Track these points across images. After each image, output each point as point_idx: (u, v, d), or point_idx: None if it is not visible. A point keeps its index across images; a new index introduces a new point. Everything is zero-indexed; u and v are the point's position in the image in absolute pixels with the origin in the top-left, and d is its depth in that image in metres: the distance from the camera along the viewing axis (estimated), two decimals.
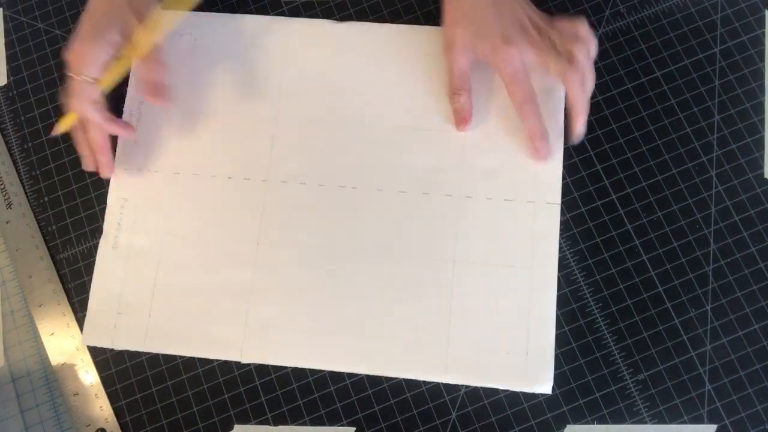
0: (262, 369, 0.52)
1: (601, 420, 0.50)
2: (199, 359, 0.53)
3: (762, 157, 0.54)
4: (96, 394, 0.53)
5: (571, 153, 0.54)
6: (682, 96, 0.55)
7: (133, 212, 0.55)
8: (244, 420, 0.52)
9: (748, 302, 0.51)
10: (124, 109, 0.57)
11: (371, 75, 0.56)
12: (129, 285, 0.54)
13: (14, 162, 0.58)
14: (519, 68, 0.51)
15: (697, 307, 0.51)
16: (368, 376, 0.52)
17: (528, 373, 0.50)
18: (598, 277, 0.52)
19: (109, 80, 0.51)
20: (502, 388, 0.51)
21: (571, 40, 0.49)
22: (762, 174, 0.53)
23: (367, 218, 0.53)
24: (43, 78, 0.59)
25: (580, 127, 0.51)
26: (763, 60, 0.55)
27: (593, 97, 0.55)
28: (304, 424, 0.52)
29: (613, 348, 0.51)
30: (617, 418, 0.50)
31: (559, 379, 0.51)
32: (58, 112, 0.58)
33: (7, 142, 0.58)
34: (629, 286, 0.52)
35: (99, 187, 0.57)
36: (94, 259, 0.55)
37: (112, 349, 0.53)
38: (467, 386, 0.51)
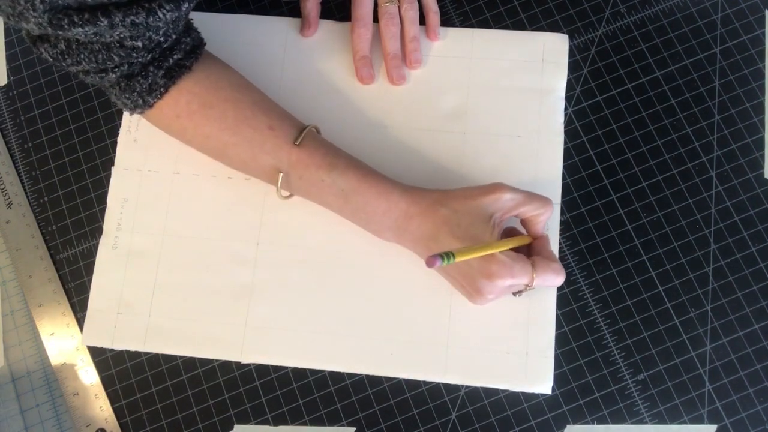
0: (262, 369, 0.52)
1: (601, 420, 0.50)
2: (199, 359, 0.53)
3: (762, 157, 0.54)
4: (96, 394, 0.53)
5: (571, 153, 0.54)
6: (682, 96, 0.55)
7: (133, 212, 0.55)
8: (244, 420, 0.52)
9: (748, 302, 0.51)
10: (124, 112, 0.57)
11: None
12: (129, 285, 0.54)
13: (14, 162, 0.58)
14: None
15: (697, 307, 0.51)
16: (368, 376, 0.52)
17: (528, 373, 0.50)
18: (598, 277, 0.52)
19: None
20: (502, 388, 0.51)
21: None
22: (762, 174, 0.53)
23: None
24: (43, 78, 0.59)
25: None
26: (763, 60, 0.55)
27: (594, 96, 0.55)
28: (304, 424, 0.52)
29: (613, 348, 0.51)
30: (617, 418, 0.50)
31: (559, 379, 0.51)
32: (58, 112, 0.58)
33: (7, 142, 0.58)
34: (629, 286, 0.52)
35: (99, 187, 0.57)
36: (94, 259, 0.55)
37: (112, 349, 0.53)
38: (467, 386, 0.51)
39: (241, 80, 0.50)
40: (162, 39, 0.44)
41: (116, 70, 0.44)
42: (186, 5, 0.42)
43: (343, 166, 0.48)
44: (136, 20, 0.39)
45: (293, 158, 0.48)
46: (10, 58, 0.60)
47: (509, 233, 0.50)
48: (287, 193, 0.51)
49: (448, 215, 0.46)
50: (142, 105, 0.47)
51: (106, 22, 0.38)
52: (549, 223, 0.53)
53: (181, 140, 0.51)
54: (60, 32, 0.39)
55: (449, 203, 0.46)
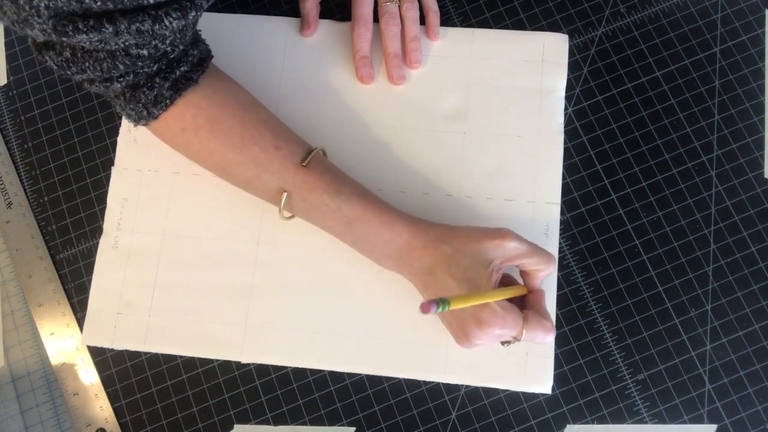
0: (262, 369, 0.52)
1: (601, 420, 0.50)
2: (199, 359, 0.53)
3: (762, 157, 0.54)
4: (96, 394, 0.53)
5: (571, 153, 0.54)
6: (682, 96, 0.55)
7: (133, 212, 0.55)
8: (244, 420, 0.52)
9: (748, 302, 0.51)
10: None
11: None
12: (129, 285, 0.54)
13: (14, 162, 0.58)
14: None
15: (697, 307, 0.51)
16: (368, 376, 0.52)
17: (528, 373, 0.50)
18: (598, 277, 0.52)
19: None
20: (502, 388, 0.51)
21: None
22: (762, 174, 0.53)
23: None
24: (43, 78, 0.59)
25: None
26: (763, 60, 0.55)
27: (594, 96, 0.55)
28: (304, 424, 0.52)
29: (613, 348, 0.51)
30: (617, 418, 0.50)
31: (559, 379, 0.51)
32: (58, 112, 0.58)
33: (7, 142, 0.58)
34: (629, 286, 0.52)
35: (99, 187, 0.57)
36: (94, 259, 0.55)
37: (112, 349, 0.54)
38: (467, 386, 0.51)
39: (248, 98, 0.50)
40: (168, 49, 0.44)
41: (121, 79, 0.44)
42: (193, 14, 0.41)
43: (348, 192, 0.47)
44: (142, 28, 0.39)
45: (299, 180, 0.47)
46: (10, 58, 0.60)
47: (506, 280, 0.49)
48: (289, 214, 0.50)
49: (450, 253, 0.45)
50: (146, 116, 0.47)
51: (111, 29, 0.38)
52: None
53: (184, 155, 0.51)
54: (64, 39, 0.38)
55: (452, 241, 0.46)
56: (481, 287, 0.44)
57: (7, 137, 0.58)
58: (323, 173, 0.48)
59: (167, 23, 0.40)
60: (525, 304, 0.48)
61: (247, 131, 0.47)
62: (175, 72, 0.45)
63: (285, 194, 0.47)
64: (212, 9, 0.59)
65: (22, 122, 0.58)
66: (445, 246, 0.45)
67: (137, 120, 0.47)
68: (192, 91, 0.47)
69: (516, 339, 0.45)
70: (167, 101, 0.46)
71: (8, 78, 0.59)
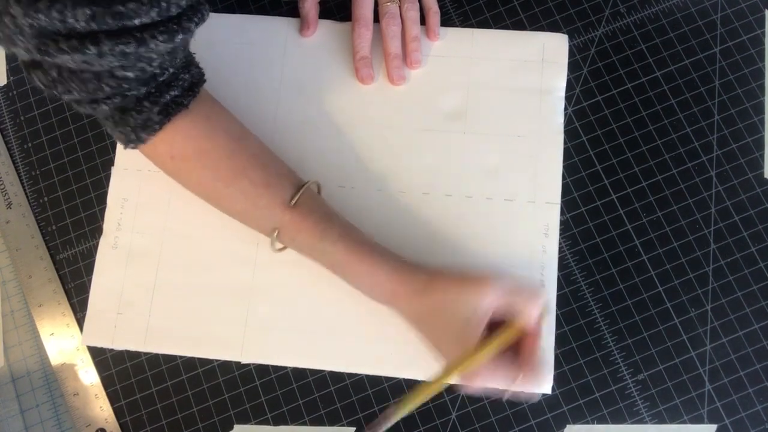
0: (262, 369, 0.52)
1: (601, 420, 0.50)
2: (199, 359, 0.53)
3: (762, 157, 0.54)
4: (96, 394, 0.53)
5: (571, 153, 0.54)
6: (682, 96, 0.55)
7: (133, 212, 0.55)
8: (244, 420, 0.52)
9: (748, 302, 0.51)
10: None
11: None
12: (129, 285, 0.54)
13: (14, 162, 0.58)
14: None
15: (697, 307, 0.51)
16: (368, 376, 0.52)
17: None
18: (598, 277, 0.52)
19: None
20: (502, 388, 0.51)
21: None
22: (762, 174, 0.53)
23: (366, 218, 0.53)
24: None
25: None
26: (763, 60, 0.55)
27: (594, 96, 0.55)
28: (304, 424, 0.52)
29: (613, 348, 0.51)
30: (617, 418, 0.50)
31: (559, 379, 0.51)
32: (58, 112, 0.58)
33: (7, 142, 0.58)
34: (629, 286, 0.52)
35: (99, 187, 0.57)
36: (94, 259, 0.55)
37: (112, 349, 0.54)
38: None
39: (239, 128, 0.49)
40: (157, 71, 0.42)
41: (108, 101, 0.42)
42: (180, 37, 0.40)
43: (334, 236, 0.47)
44: (126, 50, 0.38)
45: (286, 219, 0.47)
46: (11, 58, 0.60)
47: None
48: (280, 246, 0.49)
49: (433, 305, 0.45)
50: (135, 140, 0.45)
51: (94, 50, 0.37)
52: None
53: (176, 180, 0.50)
54: (47, 58, 0.38)
55: (434, 293, 0.45)
56: (468, 339, 0.43)
57: (7, 137, 0.58)
58: (311, 214, 0.47)
59: (153, 46, 0.39)
60: (520, 350, 0.45)
61: (237, 165, 0.47)
62: (165, 96, 0.44)
63: (276, 232, 0.47)
64: (212, 9, 0.58)
65: (22, 122, 0.58)
66: (428, 297, 0.45)
67: (126, 143, 0.46)
68: (182, 117, 0.45)
69: (507, 390, 0.45)
70: (156, 126, 0.45)
71: (8, 78, 0.59)
